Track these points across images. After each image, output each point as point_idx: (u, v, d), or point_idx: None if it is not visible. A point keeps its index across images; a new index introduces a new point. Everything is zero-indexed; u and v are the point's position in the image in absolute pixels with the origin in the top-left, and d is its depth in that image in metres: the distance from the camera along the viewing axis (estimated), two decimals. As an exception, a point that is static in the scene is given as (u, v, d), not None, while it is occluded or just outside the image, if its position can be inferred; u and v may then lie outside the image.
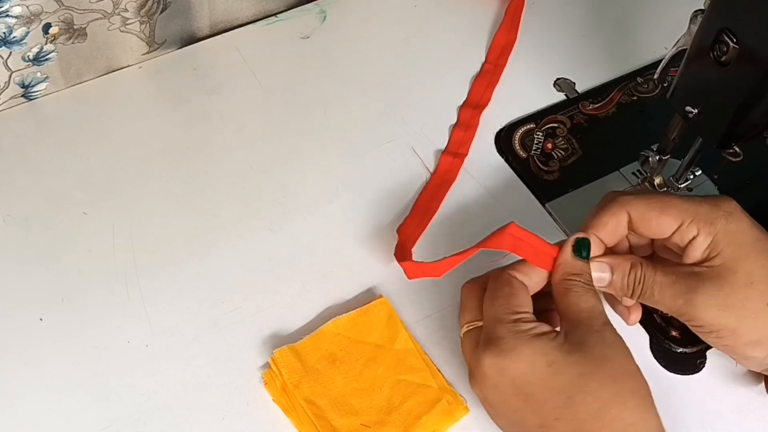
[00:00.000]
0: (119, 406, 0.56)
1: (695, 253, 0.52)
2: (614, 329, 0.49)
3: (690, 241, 0.52)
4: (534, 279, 0.53)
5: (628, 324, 0.56)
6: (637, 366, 0.48)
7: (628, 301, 0.55)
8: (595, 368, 0.47)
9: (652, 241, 0.55)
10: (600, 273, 0.53)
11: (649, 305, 0.54)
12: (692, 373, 0.59)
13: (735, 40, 0.51)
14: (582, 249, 0.52)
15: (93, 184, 0.66)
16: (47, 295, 0.60)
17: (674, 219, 0.52)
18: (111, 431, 0.55)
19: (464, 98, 0.73)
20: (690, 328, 0.53)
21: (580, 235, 0.53)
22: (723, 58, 0.52)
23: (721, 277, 0.50)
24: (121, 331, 0.59)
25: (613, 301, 0.56)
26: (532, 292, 0.53)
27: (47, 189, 0.66)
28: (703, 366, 0.59)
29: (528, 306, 0.51)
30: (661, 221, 0.52)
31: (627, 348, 0.49)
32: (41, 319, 0.59)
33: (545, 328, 0.50)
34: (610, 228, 0.53)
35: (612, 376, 0.47)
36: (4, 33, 0.64)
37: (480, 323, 0.52)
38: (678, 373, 0.59)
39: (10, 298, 0.60)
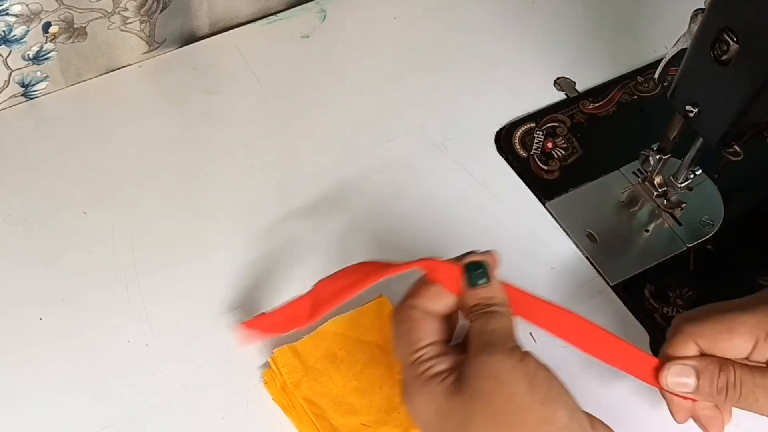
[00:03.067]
0: (119, 406, 0.56)
1: None
2: (501, 351, 0.44)
3: None
4: (440, 301, 0.48)
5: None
6: (529, 391, 0.43)
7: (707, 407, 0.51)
8: (476, 409, 0.43)
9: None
10: (684, 378, 0.48)
11: (747, 410, 0.49)
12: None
13: (735, 39, 0.51)
14: (475, 278, 0.48)
15: (93, 184, 0.66)
16: (47, 295, 0.60)
17: (747, 338, 0.48)
18: (111, 431, 0.55)
19: (464, 98, 0.73)
20: None
21: (469, 259, 0.48)
22: (723, 58, 0.52)
23: None
24: (121, 331, 0.59)
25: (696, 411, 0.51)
26: (444, 311, 0.48)
27: (47, 188, 0.66)
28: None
29: (431, 336, 0.47)
30: (734, 343, 0.48)
31: (515, 372, 0.43)
32: (41, 319, 0.59)
33: (441, 366, 0.45)
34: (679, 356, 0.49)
35: (492, 415, 0.43)
36: (4, 32, 0.64)
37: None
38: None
39: (10, 298, 0.60)
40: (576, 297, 0.63)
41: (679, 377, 0.48)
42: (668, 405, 0.51)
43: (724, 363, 0.48)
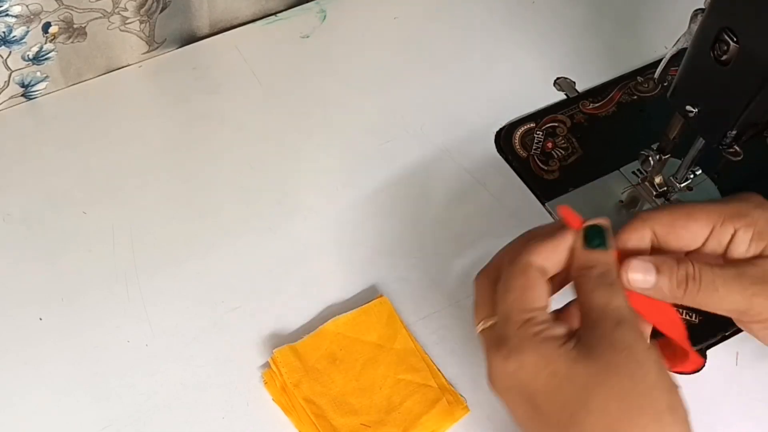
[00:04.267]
0: (119, 405, 0.56)
1: (740, 250, 0.47)
2: (633, 331, 0.43)
3: (730, 241, 0.47)
4: (553, 260, 0.47)
5: None
6: (659, 376, 0.43)
7: None
8: (602, 380, 0.42)
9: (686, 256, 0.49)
10: (643, 274, 0.46)
11: (707, 307, 0.47)
12: (693, 373, 0.59)
13: (735, 39, 0.51)
14: (594, 238, 0.46)
15: (93, 184, 0.66)
16: (47, 295, 0.60)
17: (704, 223, 0.47)
18: (111, 431, 0.55)
19: (464, 98, 0.73)
20: (747, 327, 0.49)
21: (592, 222, 0.47)
22: (723, 58, 0.52)
23: None
24: (121, 331, 0.59)
25: None
26: (552, 273, 0.47)
27: (47, 188, 0.66)
28: (704, 365, 0.59)
29: (544, 300, 0.46)
30: (690, 229, 0.48)
31: (649, 354, 0.43)
32: (41, 319, 0.59)
33: (558, 330, 0.44)
34: (632, 245, 0.48)
35: (621, 390, 0.42)
36: (4, 32, 0.64)
37: (494, 320, 0.47)
38: (679, 373, 0.59)
39: (10, 298, 0.60)
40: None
41: (639, 273, 0.47)
42: None
43: (681, 258, 0.47)
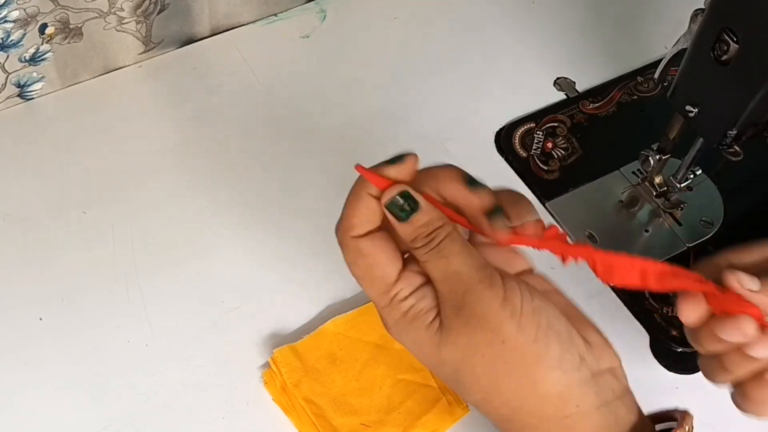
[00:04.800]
0: (119, 405, 0.56)
1: None
2: (477, 292, 0.40)
3: None
4: (370, 218, 0.43)
5: None
6: (518, 332, 0.40)
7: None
8: (467, 360, 0.41)
9: None
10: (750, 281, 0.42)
11: None
12: (693, 373, 0.59)
13: (735, 39, 0.51)
14: (402, 212, 0.42)
15: (93, 184, 0.66)
16: (47, 295, 0.60)
17: None
18: (111, 431, 0.55)
19: (464, 98, 0.73)
20: None
21: (392, 191, 0.42)
22: (723, 58, 0.52)
23: None
24: (121, 331, 0.59)
25: None
26: (373, 227, 0.43)
27: (47, 188, 0.66)
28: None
29: (395, 265, 0.42)
30: None
31: (502, 313, 0.40)
32: (41, 319, 0.59)
33: (423, 303, 0.41)
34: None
35: (486, 364, 0.40)
36: (2, 38, 0.64)
37: None
38: (678, 373, 0.59)
39: (10, 298, 0.60)
40: (576, 297, 0.62)
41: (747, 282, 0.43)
42: (681, 303, 0.45)
43: None
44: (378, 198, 0.43)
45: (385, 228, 0.43)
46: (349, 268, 0.43)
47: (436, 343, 0.41)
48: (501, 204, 0.43)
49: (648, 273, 0.43)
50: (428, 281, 0.42)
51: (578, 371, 0.41)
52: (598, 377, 0.41)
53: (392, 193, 0.42)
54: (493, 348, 0.40)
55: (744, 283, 0.42)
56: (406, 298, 0.42)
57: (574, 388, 0.40)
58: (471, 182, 0.43)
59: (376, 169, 0.43)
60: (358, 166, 0.43)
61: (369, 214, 0.42)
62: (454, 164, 0.44)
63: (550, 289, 0.45)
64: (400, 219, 0.42)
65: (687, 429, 0.42)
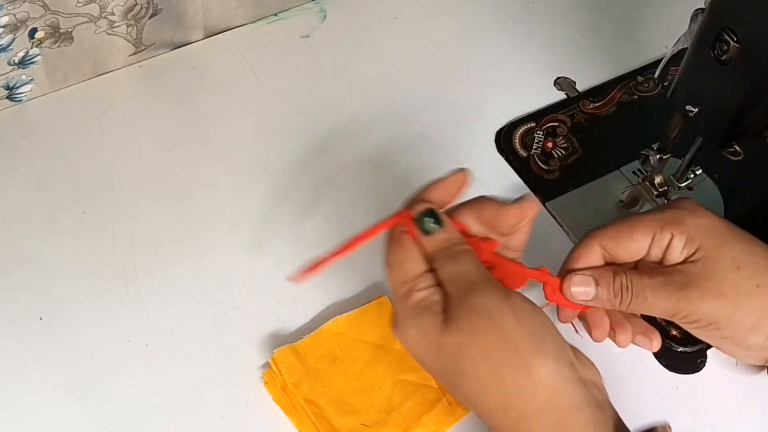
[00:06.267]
0: (119, 405, 0.56)
1: (674, 255, 0.51)
2: (484, 291, 0.46)
3: (667, 247, 0.51)
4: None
5: (619, 344, 0.54)
6: (518, 325, 0.45)
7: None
8: (467, 346, 0.45)
9: (636, 265, 0.54)
10: (584, 287, 0.51)
11: (641, 311, 0.52)
12: (693, 373, 0.59)
13: (735, 39, 0.51)
14: (428, 226, 0.48)
15: (93, 184, 0.66)
16: (47, 295, 0.60)
17: (645, 233, 0.51)
18: (111, 430, 0.55)
19: (464, 98, 0.73)
20: (687, 328, 0.52)
21: (419, 208, 0.49)
22: (723, 57, 0.52)
23: (708, 268, 0.50)
24: (121, 331, 0.59)
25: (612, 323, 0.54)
26: None
27: (47, 188, 0.66)
28: (704, 365, 0.59)
29: (419, 267, 0.48)
30: (634, 239, 0.51)
31: (503, 308, 0.45)
32: (41, 319, 0.59)
33: (436, 296, 0.47)
34: (584, 262, 0.52)
35: (485, 351, 0.44)
36: (-9, 44, 0.64)
37: None
38: (678, 373, 0.59)
39: (10, 298, 0.60)
40: (576, 297, 0.62)
41: (581, 287, 0.51)
42: (558, 311, 0.54)
43: (617, 269, 0.51)
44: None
45: None
46: (385, 255, 0.49)
47: (441, 330, 0.45)
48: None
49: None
50: (441, 286, 0.47)
51: (571, 369, 0.45)
52: (586, 384, 0.46)
53: (420, 208, 0.49)
54: (492, 335, 0.44)
55: (578, 296, 0.51)
56: (421, 290, 0.47)
57: (567, 383, 0.44)
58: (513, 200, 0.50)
59: (433, 185, 0.50)
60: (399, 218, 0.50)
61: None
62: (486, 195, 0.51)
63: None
64: (426, 233, 0.48)
65: None
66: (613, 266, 0.52)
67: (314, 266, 0.51)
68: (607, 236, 0.52)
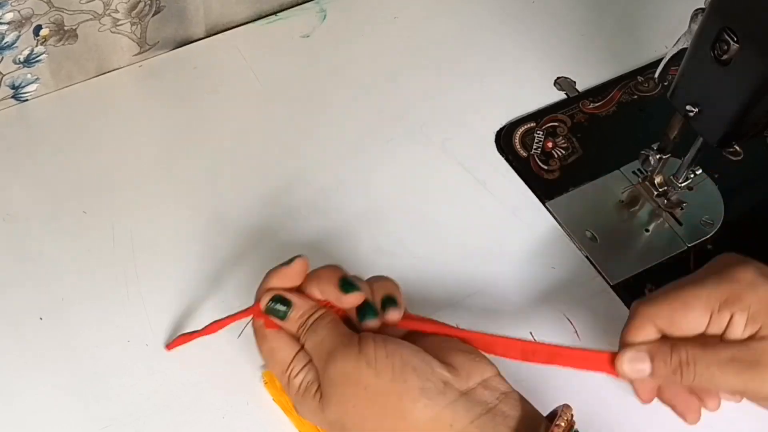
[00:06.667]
0: (119, 405, 0.56)
1: (736, 333, 0.49)
2: (341, 354, 0.47)
3: (727, 325, 0.49)
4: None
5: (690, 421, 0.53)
6: (377, 382, 0.46)
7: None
8: (344, 416, 0.47)
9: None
10: (639, 364, 0.49)
11: (706, 387, 0.50)
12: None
13: (736, 38, 0.51)
14: (280, 313, 0.51)
15: (93, 184, 0.66)
16: (47, 295, 0.60)
17: (702, 312, 0.49)
18: (111, 430, 0.55)
19: (464, 98, 0.73)
20: (755, 403, 0.50)
21: (264, 300, 0.51)
22: (723, 57, 0.52)
23: None
24: (121, 331, 0.59)
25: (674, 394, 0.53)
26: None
27: (47, 188, 0.66)
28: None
29: (289, 352, 0.50)
30: (689, 318, 0.49)
31: (361, 368, 0.47)
32: (41, 319, 0.59)
33: (310, 375, 0.49)
34: (639, 338, 0.50)
35: (359, 415, 0.47)
36: (-3, 41, 0.64)
37: None
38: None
39: (10, 298, 0.60)
40: (576, 297, 0.62)
41: (635, 364, 0.49)
42: (634, 388, 0.52)
43: (675, 344, 0.49)
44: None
45: None
46: (258, 351, 0.52)
47: (322, 408, 0.48)
48: (379, 292, 0.51)
49: (528, 351, 0.51)
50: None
51: (443, 395, 0.46)
52: (468, 395, 0.46)
53: (265, 300, 0.51)
54: (360, 397, 0.46)
55: (634, 374, 0.50)
56: (297, 374, 0.49)
57: (443, 411, 0.45)
58: (344, 286, 0.50)
59: (274, 272, 0.52)
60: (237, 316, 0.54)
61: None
62: (336, 266, 0.52)
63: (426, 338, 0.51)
64: (280, 319, 0.50)
65: (567, 417, 0.46)
66: (672, 339, 0.50)
67: (182, 340, 0.56)
68: (660, 315, 0.50)
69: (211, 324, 0.55)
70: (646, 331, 0.50)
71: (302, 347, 0.50)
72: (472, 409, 0.46)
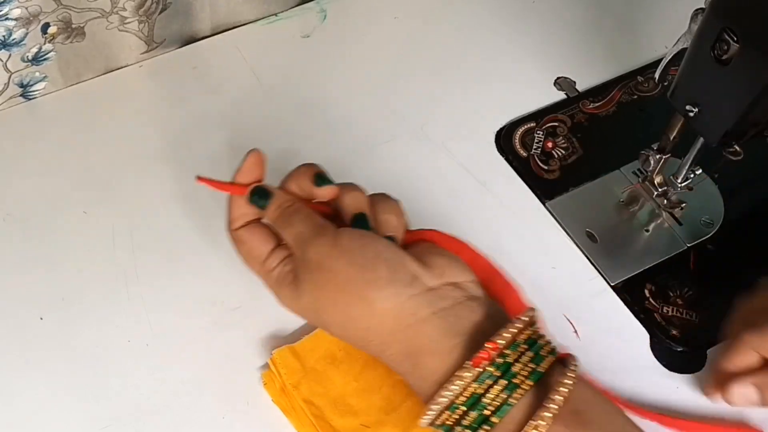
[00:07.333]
0: (119, 405, 0.56)
1: None
2: (317, 242, 0.49)
3: None
4: (251, 211, 0.54)
5: None
6: (349, 266, 0.48)
7: None
8: (316, 302, 0.49)
9: None
10: (746, 400, 0.53)
11: None
12: (693, 372, 0.59)
13: (736, 38, 0.51)
14: (260, 202, 0.53)
15: (93, 184, 0.66)
16: (47, 295, 0.60)
17: None
18: (111, 430, 0.55)
19: (464, 98, 0.73)
20: None
21: (251, 187, 0.53)
22: (724, 57, 0.52)
23: None
24: (121, 331, 0.59)
25: None
26: (253, 218, 0.54)
27: (47, 188, 0.66)
28: (704, 365, 0.59)
29: (266, 246, 0.52)
30: None
31: (335, 253, 0.48)
32: (41, 319, 0.59)
33: (285, 269, 0.51)
34: (742, 365, 0.53)
35: (330, 300, 0.48)
36: (4, 36, 0.64)
37: None
38: (679, 372, 0.59)
39: (10, 298, 0.60)
40: (576, 297, 0.63)
41: (742, 400, 0.53)
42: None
43: None
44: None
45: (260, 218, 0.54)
46: (238, 255, 0.54)
47: (297, 295, 0.50)
48: (371, 203, 0.53)
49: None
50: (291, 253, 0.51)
51: (410, 287, 0.48)
52: (436, 290, 0.48)
53: (249, 190, 0.53)
54: (332, 283, 0.48)
55: (743, 405, 0.54)
56: (274, 268, 0.52)
57: (407, 301, 0.47)
58: (318, 180, 0.53)
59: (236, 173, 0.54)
60: (200, 179, 0.55)
61: (242, 210, 0.53)
62: (312, 163, 0.55)
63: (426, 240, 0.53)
64: (261, 208, 0.52)
65: (530, 315, 0.48)
66: None
67: (211, 183, 0.55)
68: (764, 346, 0.52)
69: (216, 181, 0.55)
70: (747, 356, 0.53)
71: (278, 245, 0.52)
72: (436, 303, 0.48)
